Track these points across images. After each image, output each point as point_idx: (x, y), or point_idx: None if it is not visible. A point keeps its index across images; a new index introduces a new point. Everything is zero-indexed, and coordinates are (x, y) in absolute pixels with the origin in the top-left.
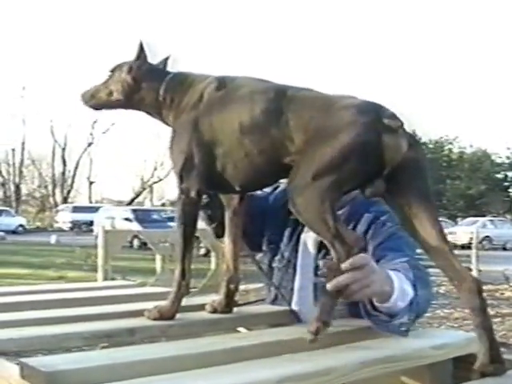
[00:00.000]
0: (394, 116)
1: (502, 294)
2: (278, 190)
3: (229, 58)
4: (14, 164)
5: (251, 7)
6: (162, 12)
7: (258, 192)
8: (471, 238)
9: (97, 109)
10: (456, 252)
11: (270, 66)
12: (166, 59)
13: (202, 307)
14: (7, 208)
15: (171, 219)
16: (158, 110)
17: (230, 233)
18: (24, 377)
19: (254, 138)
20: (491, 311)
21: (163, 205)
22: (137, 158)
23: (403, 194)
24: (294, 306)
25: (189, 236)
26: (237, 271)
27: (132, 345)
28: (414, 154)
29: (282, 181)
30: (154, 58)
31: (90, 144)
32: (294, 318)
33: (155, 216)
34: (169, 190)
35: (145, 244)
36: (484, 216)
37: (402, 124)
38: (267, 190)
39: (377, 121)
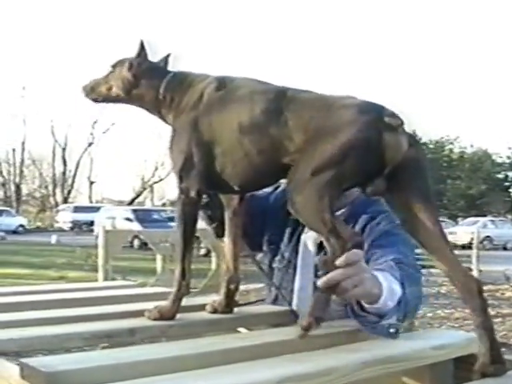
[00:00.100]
0: (394, 115)
1: (503, 294)
2: (278, 190)
3: (229, 58)
4: (14, 164)
5: (251, 7)
6: (162, 12)
7: (259, 192)
8: (472, 238)
9: (97, 102)
10: (457, 252)
11: (269, 65)
12: (167, 57)
13: (202, 307)
14: (8, 208)
15: (172, 219)
16: (158, 109)
17: (230, 233)
18: (24, 377)
19: (253, 137)
20: (492, 311)
21: (164, 205)
22: (137, 158)
23: (404, 193)
24: (293, 307)
25: (189, 236)
26: (237, 271)
27: (132, 345)
28: (415, 154)
29: (282, 181)
30: (154, 57)
31: (90, 144)
32: (295, 318)
33: (156, 216)
34: (169, 189)
35: (145, 244)
36: (485, 216)
37: (403, 123)
38: (268, 189)
39: (378, 119)
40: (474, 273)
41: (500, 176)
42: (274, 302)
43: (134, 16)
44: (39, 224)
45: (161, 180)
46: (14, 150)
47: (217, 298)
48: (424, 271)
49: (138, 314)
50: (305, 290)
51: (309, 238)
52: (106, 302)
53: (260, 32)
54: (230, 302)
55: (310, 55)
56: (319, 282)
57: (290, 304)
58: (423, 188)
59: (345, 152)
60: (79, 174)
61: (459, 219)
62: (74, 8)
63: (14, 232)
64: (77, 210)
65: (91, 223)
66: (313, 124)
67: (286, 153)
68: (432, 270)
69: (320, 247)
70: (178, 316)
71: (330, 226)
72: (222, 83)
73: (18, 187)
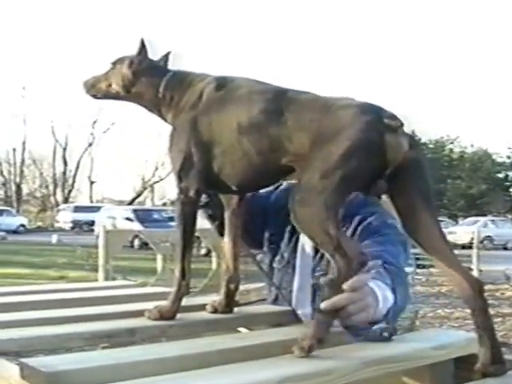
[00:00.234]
0: (393, 116)
1: (503, 293)
2: (279, 190)
3: (229, 57)
4: (15, 164)
5: (252, 7)
6: (163, 11)
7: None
8: (472, 238)
9: (97, 98)
10: (457, 252)
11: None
12: (167, 56)
13: (202, 307)
14: (8, 208)
15: (172, 219)
16: (157, 107)
17: (230, 232)
18: (24, 377)
19: (252, 138)
20: (492, 311)
21: (164, 204)
22: (138, 158)
23: (404, 194)
24: (293, 307)
25: (188, 235)
26: (237, 271)
27: (132, 345)
28: (415, 155)
29: (283, 181)
30: (154, 55)
31: (90, 144)
32: (295, 318)
33: (156, 216)
34: (170, 189)
35: (146, 244)
36: (485, 216)
37: (402, 124)
38: (269, 188)
39: (378, 120)
40: (475, 272)
41: (500, 176)
42: (275, 301)
43: (134, 16)
44: (40, 224)
45: (161, 180)
46: (14, 149)
47: (217, 297)
48: (424, 271)
49: (138, 313)
50: (303, 291)
51: (307, 241)
52: (106, 301)
53: (260, 32)
54: (230, 302)
55: (310, 55)
56: (323, 305)
57: (290, 304)
58: (423, 189)
59: (349, 154)
60: (80, 174)
61: (459, 219)
62: (74, 8)
63: (15, 232)
64: (77, 209)
65: (92, 223)
66: (313, 125)
67: (286, 153)
68: (432, 270)
69: (317, 249)
70: (178, 316)
71: (335, 243)
72: (222, 83)
73: (18, 187)
